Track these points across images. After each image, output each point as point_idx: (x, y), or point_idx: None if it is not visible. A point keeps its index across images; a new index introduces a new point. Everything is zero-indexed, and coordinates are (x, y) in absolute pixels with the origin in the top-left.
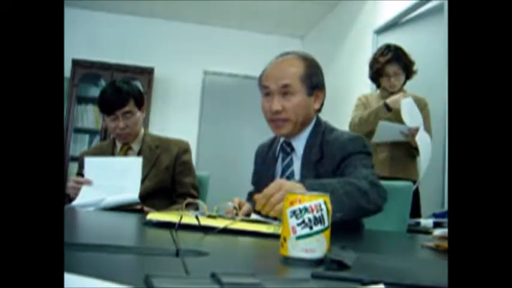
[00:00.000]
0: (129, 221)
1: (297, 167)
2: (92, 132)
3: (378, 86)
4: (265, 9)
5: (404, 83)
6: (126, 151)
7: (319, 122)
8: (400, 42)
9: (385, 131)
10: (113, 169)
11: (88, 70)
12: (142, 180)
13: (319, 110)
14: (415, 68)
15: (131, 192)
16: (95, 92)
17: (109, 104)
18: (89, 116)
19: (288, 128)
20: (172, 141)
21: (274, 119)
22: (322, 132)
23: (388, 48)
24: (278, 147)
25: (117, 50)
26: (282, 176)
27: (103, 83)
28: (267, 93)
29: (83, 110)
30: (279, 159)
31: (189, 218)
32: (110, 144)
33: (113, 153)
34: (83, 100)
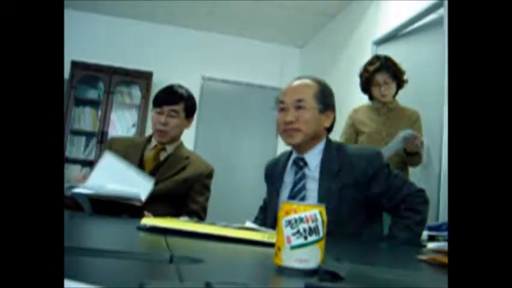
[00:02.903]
0: (123, 226)
1: (310, 182)
2: (88, 135)
3: (370, 97)
4: (265, 17)
5: (397, 93)
6: (159, 150)
7: (329, 140)
8: (399, 53)
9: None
10: (124, 178)
11: (87, 72)
12: (158, 182)
13: (329, 130)
14: (405, 77)
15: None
16: (93, 94)
17: (160, 97)
18: (87, 118)
19: (299, 138)
20: (202, 160)
21: (287, 129)
22: (336, 148)
23: (377, 57)
24: (290, 163)
25: (116, 53)
26: (293, 188)
27: (101, 85)
28: (282, 108)
29: (81, 112)
30: (291, 173)
31: (183, 224)
32: (144, 140)
33: (144, 148)
34: (80, 102)
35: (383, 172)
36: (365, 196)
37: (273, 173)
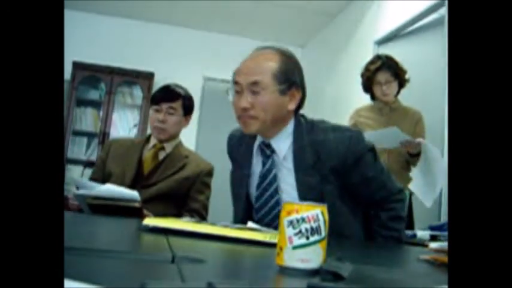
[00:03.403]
0: (125, 226)
1: (283, 172)
2: (90, 135)
3: (372, 97)
4: (266, 17)
5: (398, 92)
6: (158, 150)
7: (299, 121)
8: (400, 53)
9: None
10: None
11: (88, 73)
12: (158, 182)
13: (296, 111)
14: (407, 76)
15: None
16: (94, 94)
17: (158, 95)
18: (88, 119)
19: (256, 126)
20: (201, 159)
21: (242, 116)
22: (308, 131)
23: (378, 57)
24: (255, 147)
25: (117, 53)
26: (263, 180)
27: (103, 86)
28: (237, 90)
29: (82, 113)
30: (259, 162)
31: (185, 224)
32: (143, 140)
33: (143, 148)
34: (82, 103)
35: (367, 157)
36: (345, 183)
37: (238, 152)
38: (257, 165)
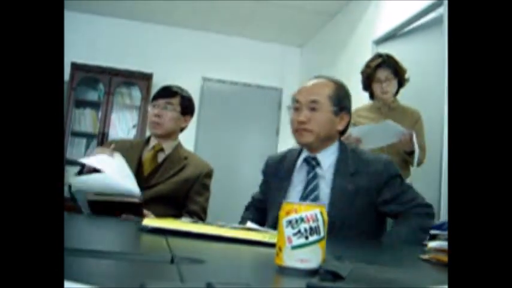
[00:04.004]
0: (124, 227)
1: (322, 182)
2: (89, 136)
3: (371, 96)
4: (265, 17)
5: (398, 92)
6: (157, 151)
7: (343, 142)
8: (399, 52)
9: (375, 135)
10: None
11: (87, 74)
12: (157, 184)
13: (342, 133)
14: (407, 75)
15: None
16: (93, 95)
17: (156, 93)
18: (87, 120)
19: (310, 138)
20: (201, 160)
21: (298, 129)
22: (351, 150)
23: (379, 55)
24: (299, 162)
25: (116, 54)
26: (305, 188)
27: (101, 87)
28: (296, 107)
29: (81, 114)
30: (302, 173)
31: (184, 225)
32: (142, 142)
33: (142, 149)
34: (80, 104)
35: (396, 180)
36: (375, 202)
37: (278, 171)
38: (298, 177)
